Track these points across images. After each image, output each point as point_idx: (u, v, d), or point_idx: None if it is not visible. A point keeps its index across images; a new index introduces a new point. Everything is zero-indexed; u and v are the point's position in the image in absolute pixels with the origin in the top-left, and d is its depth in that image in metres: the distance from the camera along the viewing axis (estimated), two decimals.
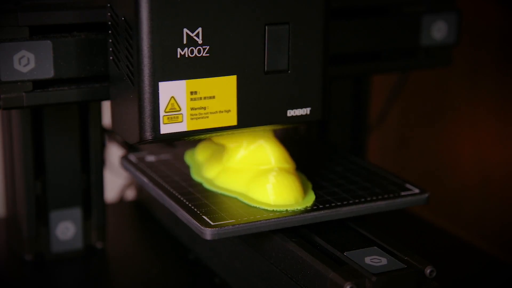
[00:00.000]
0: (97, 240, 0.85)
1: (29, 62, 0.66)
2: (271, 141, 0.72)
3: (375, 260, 0.63)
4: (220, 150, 0.74)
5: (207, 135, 0.67)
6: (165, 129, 0.64)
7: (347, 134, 0.97)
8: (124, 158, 0.80)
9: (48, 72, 0.67)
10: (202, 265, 0.80)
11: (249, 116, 0.67)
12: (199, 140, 0.78)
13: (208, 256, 0.79)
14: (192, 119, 0.65)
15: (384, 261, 0.63)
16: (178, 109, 0.64)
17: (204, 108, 0.65)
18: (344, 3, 0.79)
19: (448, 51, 0.84)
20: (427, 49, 0.83)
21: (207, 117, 0.65)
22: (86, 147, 0.82)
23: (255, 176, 0.70)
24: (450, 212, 1.10)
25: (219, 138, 0.72)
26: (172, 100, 0.64)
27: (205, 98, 0.65)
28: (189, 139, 0.67)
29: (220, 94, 0.65)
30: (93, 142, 0.82)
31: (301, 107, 0.68)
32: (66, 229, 0.83)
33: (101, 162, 0.83)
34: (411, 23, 0.81)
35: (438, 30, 0.83)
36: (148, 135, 0.63)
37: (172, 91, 0.63)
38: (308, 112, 0.68)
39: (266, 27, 0.65)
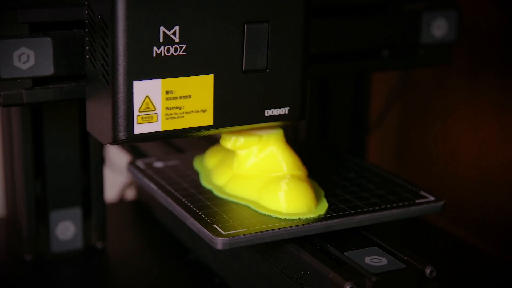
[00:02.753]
0: (97, 240, 0.85)
1: (29, 59, 0.66)
2: (282, 147, 0.70)
3: (375, 260, 0.63)
4: (230, 156, 0.72)
5: (183, 136, 0.65)
6: (139, 129, 0.63)
7: (347, 134, 0.96)
8: (132, 164, 0.79)
9: (48, 69, 0.67)
10: (202, 265, 0.80)
11: (226, 116, 0.65)
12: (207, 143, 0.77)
13: (208, 256, 0.79)
14: (167, 119, 0.63)
15: (384, 261, 0.63)
16: (152, 108, 0.63)
17: (180, 108, 0.64)
18: (344, 1, 0.79)
19: (448, 49, 0.84)
20: (427, 47, 0.83)
21: (183, 117, 0.64)
22: (86, 147, 0.82)
23: (266, 183, 0.69)
24: (450, 212, 1.10)
25: (227, 143, 0.71)
26: (147, 100, 0.62)
27: (180, 97, 0.63)
28: (163, 139, 0.65)
29: (197, 93, 0.64)
30: (93, 141, 0.82)
31: (280, 107, 0.67)
32: (66, 229, 0.83)
33: (101, 162, 0.83)
34: (411, 21, 0.81)
35: (438, 28, 0.83)
36: (122, 135, 0.62)
37: (147, 91, 0.62)
38: (287, 112, 0.67)
39: (245, 26, 0.64)
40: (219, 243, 0.63)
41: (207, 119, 0.65)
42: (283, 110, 0.67)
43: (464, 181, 1.10)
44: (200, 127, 0.65)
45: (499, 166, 1.05)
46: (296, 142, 0.83)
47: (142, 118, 0.63)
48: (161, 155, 0.81)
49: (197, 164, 0.78)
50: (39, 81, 0.68)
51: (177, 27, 0.61)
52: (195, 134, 0.66)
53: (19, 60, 0.66)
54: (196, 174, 0.76)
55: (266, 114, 0.67)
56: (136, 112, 0.62)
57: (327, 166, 0.79)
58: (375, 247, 0.66)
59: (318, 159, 0.82)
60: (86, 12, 0.64)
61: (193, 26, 0.62)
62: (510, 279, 0.83)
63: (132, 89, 0.61)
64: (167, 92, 0.63)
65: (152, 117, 0.63)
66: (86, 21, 0.64)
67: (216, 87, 0.64)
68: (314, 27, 0.76)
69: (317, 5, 0.77)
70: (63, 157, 0.81)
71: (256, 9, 0.64)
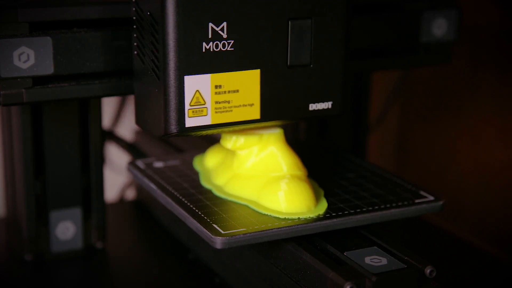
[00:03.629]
0: (97, 240, 0.85)
1: (29, 58, 0.66)
2: (282, 147, 0.70)
3: (375, 260, 0.63)
4: (230, 156, 0.72)
5: (231, 128, 0.67)
6: (190, 122, 0.65)
7: (347, 134, 0.96)
8: (132, 164, 0.79)
9: (48, 69, 0.67)
10: (202, 265, 0.80)
11: (272, 110, 0.67)
12: (211, 140, 0.77)
13: (208, 256, 0.79)
14: (216, 112, 0.65)
15: (384, 261, 0.63)
16: (203, 102, 0.65)
17: (228, 102, 0.66)
18: None
19: (448, 48, 0.84)
20: (427, 46, 0.83)
21: (231, 110, 0.66)
22: (86, 147, 0.82)
23: (266, 183, 0.69)
24: (450, 212, 1.10)
25: (227, 143, 0.71)
26: (197, 94, 0.64)
27: (229, 92, 0.65)
28: (212, 132, 0.67)
29: (244, 88, 0.66)
30: (93, 141, 0.82)
31: (323, 101, 0.69)
32: (66, 229, 0.83)
33: (101, 162, 0.83)
34: (411, 20, 0.81)
35: (438, 27, 0.83)
36: (173, 128, 0.64)
37: (197, 85, 0.64)
38: (330, 106, 0.69)
39: (290, 22, 0.66)
40: (218, 242, 0.64)
41: (255, 113, 0.67)
42: (327, 104, 0.69)
43: (464, 181, 1.10)
44: (247, 120, 0.67)
45: (499, 166, 1.05)
46: (296, 142, 0.83)
47: (193, 111, 0.64)
48: (161, 155, 0.81)
49: (197, 164, 0.78)
50: (39, 81, 0.68)
51: (225, 23, 0.63)
52: (242, 127, 0.67)
53: (19, 59, 0.66)
54: (196, 174, 0.76)
55: (310, 108, 0.69)
56: (187, 106, 0.64)
57: (327, 166, 0.79)
58: (375, 247, 0.66)
59: (318, 159, 0.82)
60: (134, 9, 0.66)
61: (240, 22, 0.64)
62: (510, 279, 0.83)
63: (183, 83, 0.63)
64: (216, 87, 0.65)
65: (202, 110, 0.65)
66: (134, 18, 0.66)
67: (263, 82, 0.66)
68: None
69: None
70: (63, 157, 0.81)
71: (299, 5, 0.66)
